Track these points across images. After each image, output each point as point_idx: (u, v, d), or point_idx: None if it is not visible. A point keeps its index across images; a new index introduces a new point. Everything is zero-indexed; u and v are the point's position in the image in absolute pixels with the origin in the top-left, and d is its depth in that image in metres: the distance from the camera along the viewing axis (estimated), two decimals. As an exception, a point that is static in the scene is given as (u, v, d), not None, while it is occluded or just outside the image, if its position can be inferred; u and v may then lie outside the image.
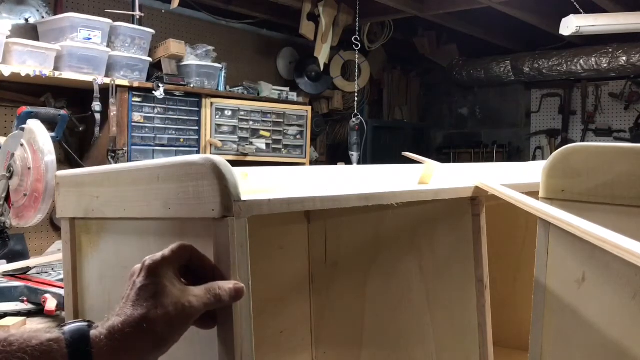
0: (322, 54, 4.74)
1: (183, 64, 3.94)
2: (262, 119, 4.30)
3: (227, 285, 0.72)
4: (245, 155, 4.17)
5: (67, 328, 0.66)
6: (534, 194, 1.05)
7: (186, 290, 0.70)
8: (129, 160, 3.53)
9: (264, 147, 4.30)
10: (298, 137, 4.51)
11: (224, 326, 0.74)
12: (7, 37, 3.08)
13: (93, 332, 0.66)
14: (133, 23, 3.68)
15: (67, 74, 3.26)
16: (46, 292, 1.86)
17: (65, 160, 3.62)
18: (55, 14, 3.59)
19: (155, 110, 3.71)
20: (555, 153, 1.01)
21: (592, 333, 0.93)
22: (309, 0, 4.57)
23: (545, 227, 0.98)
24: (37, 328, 0.68)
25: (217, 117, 4.03)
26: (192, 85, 3.90)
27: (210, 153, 3.90)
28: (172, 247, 0.73)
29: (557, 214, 0.96)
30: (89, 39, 3.34)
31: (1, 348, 0.62)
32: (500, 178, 1.22)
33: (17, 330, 0.65)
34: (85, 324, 0.67)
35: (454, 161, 6.15)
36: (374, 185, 1.26)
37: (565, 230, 0.94)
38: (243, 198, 0.75)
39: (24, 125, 2.52)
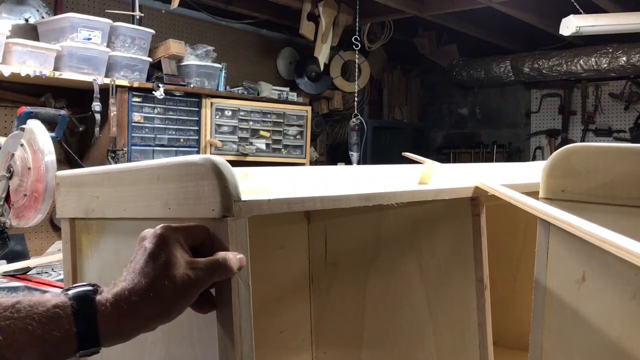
0: (322, 54, 4.74)
1: (183, 64, 3.94)
2: (262, 119, 4.30)
3: (232, 255, 0.73)
4: (245, 155, 4.17)
5: (72, 293, 0.67)
6: (534, 194, 1.05)
7: (193, 262, 0.71)
8: (129, 160, 3.53)
9: (264, 147, 4.30)
10: (298, 137, 4.51)
11: (223, 326, 0.74)
12: (7, 37, 3.08)
13: (98, 298, 0.67)
14: (133, 23, 3.68)
15: (67, 74, 3.27)
16: (46, 292, 1.86)
17: (65, 160, 3.62)
18: (55, 14, 3.60)
19: (155, 111, 3.71)
20: (555, 153, 1.01)
21: (592, 333, 0.93)
22: (309, 0, 4.57)
23: (545, 227, 0.98)
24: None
25: (217, 117, 4.03)
26: (192, 86, 3.90)
27: (210, 153, 3.90)
28: (188, 224, 0.74)
29: (557, 214, 0.96)
30: (89, 39, 3.34)
31: (9, 314, 0.62)
32: (500, 178, 1.22)
33: (24, 297, 0.65)
34: (91, 288, 0.68)
35: (454, 161, 6.15)
36: (374, 185, 1.25)
37: (565, 230, 0.94)
38: (243, 198, 0.75)
39: (24, 125, 2.53)
